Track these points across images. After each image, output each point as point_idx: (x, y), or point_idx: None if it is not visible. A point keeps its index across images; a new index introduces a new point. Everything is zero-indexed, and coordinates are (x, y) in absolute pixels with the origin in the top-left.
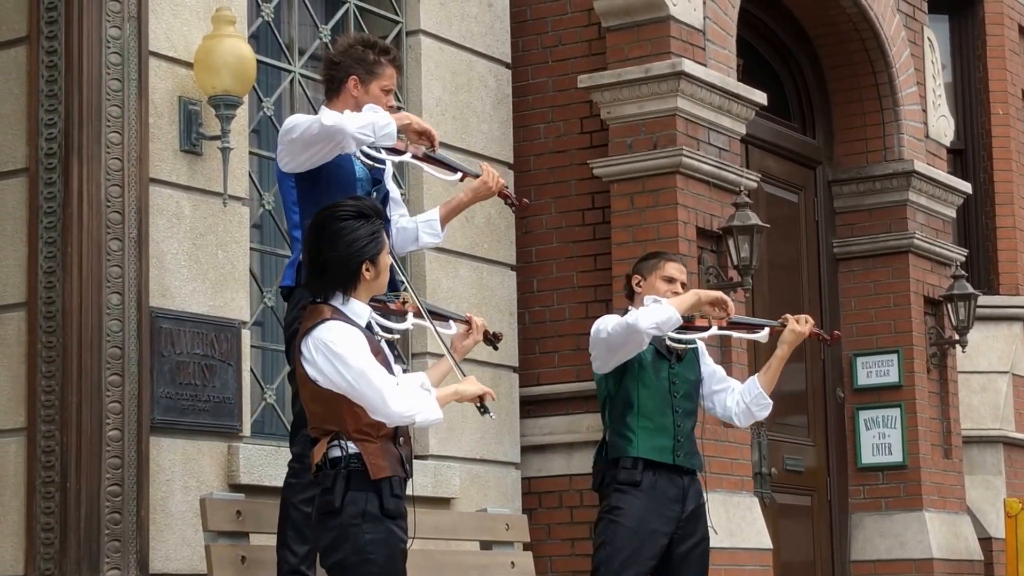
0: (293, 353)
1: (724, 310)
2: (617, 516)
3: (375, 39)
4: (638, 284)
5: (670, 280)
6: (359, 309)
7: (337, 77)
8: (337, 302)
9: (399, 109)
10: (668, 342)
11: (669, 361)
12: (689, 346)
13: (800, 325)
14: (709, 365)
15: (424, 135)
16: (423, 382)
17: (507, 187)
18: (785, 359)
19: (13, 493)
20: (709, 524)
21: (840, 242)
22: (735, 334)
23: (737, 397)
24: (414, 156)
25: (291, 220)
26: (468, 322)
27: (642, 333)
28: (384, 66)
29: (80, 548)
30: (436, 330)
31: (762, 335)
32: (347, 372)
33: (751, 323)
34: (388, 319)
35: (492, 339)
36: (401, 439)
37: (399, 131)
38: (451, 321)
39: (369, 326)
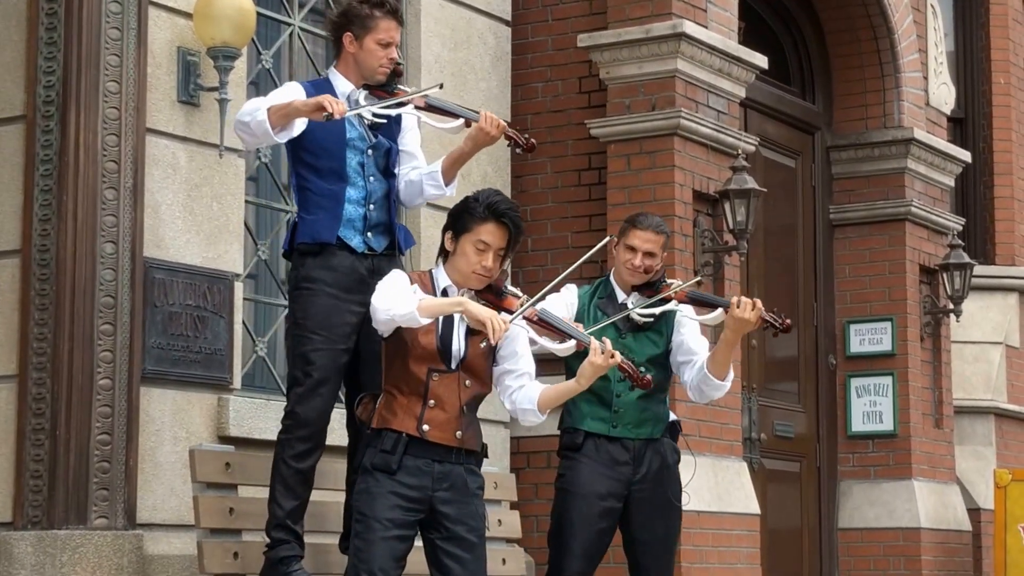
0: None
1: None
2: (563, 483)
3: None
4: (615, 247)
5: (631, 249)
6: (442, 279)
7: (336, 37)
8: (435, 267)
9: (398, 65)
10: (634, 315)
11: (620, 331)
12: (647, 320)
13: (743, 310)
14: (682, 335)
15: (317, 109)
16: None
17: (511, 129)
18: (732, 345)
19: (2, 440)
20: (684, 488)
21: (837, 208)
22: (687, 309)
23: (694, 372)
24: (416, 107)
25: (291, 186)
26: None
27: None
28: (377, 19)
29: (68, 496)
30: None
31: (714, 316)
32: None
33: (709, 301)
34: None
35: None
36: (432, 401)
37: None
38: (570, 340)
39: (446, 295)
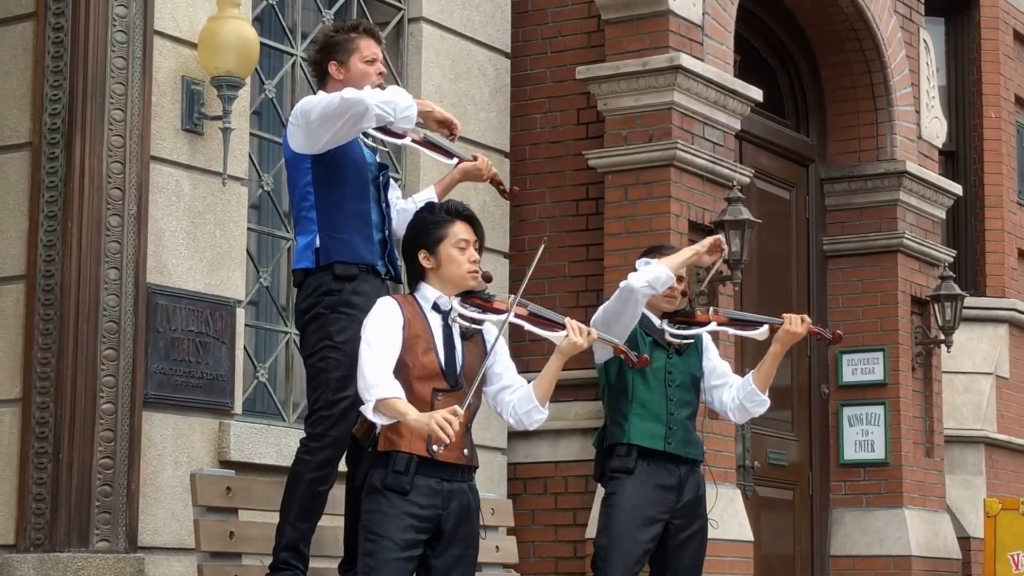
0: (308, 337)
1: (718, 253)
2: (612, 502)
3: (342, 22)
4: None
5: None
6: (429, 293)
7: (320, 70)
8: (415, 289)
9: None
10: (668, 337)
11: (667, 351)
12: (686, 342)
13: (796, 325)
14: (711, 360)
15: (445, 124)
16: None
17: (498, 175)
18: (779, 357)
19: (6, 463)
20: (709, 516)
21: (830, 239)
22: (732, 331)
23: (733, 393)
24: (414, 140)
25: (306, 202)
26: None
27: (636, 292)
28: (355, 40)
29: (70, 519)
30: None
31: (761, 332)
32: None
33: (750, 319)
34: (483, 312)
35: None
36: None
37: (418, 117)
38: (564, 329)
39: (437, 308)
